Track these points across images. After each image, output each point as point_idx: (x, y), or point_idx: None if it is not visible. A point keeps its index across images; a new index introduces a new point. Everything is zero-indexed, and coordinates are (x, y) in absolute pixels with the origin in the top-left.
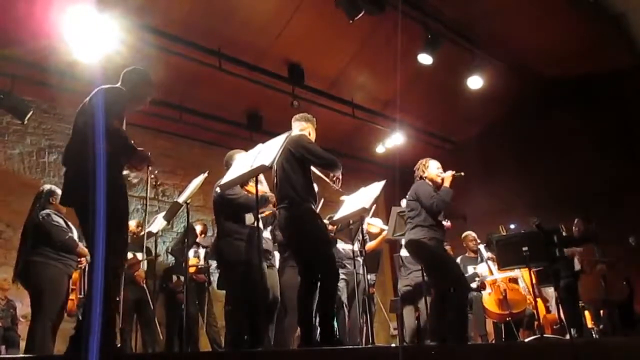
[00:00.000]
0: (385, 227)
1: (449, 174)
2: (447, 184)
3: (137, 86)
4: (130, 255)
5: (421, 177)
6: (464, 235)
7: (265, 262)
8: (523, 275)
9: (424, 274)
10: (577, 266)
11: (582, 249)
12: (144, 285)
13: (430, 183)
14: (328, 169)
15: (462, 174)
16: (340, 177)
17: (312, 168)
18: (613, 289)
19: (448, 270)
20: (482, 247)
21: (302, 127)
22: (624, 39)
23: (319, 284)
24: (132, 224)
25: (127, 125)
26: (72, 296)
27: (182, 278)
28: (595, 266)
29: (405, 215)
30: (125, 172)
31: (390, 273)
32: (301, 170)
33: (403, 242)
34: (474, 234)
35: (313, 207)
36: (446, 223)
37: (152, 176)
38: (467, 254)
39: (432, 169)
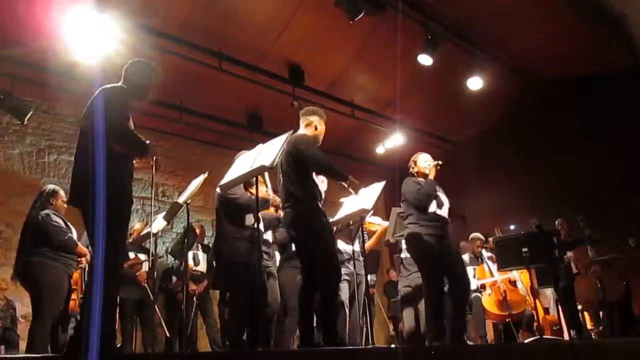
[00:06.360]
0: (385, 223)
1: (433, 163)
2: (431, 175)
3: (138, 80)
4: (132, 255)
5: (412, 174)
6: (471, 237)
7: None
8: (521, 277)
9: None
10: (575, 269)
11: (575, 252)
12: (146, 286)
13: (416, 178)
14: (327, 176)
15: (440, 162)
16: (355, 181)
17: None
18: (609, 289)
19: (444, 266)
20: (483, 250)
21: (307, 122)
22: (624, 40)
23: (320, 283)
24: (138, 225)
25: None
26: (73, 296)
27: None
28: (589, 267)
29: (403, 216)
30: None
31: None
32: (302, 169)
33: (403, 243)
34: (482, 237)
35: (319, 205)
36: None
37: (158, 167)
38: (468, 255)
39: (420, 162)
